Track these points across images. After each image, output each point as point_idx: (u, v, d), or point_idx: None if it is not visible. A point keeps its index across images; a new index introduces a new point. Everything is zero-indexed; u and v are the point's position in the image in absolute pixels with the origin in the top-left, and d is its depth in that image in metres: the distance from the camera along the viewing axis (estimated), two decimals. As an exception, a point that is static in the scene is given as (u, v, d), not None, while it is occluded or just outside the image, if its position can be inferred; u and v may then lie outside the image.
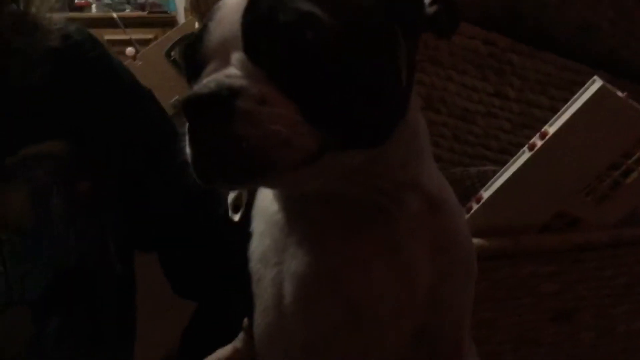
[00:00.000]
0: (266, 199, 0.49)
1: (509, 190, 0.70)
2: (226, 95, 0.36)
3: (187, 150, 0.39)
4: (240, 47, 0.38)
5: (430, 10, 0.45)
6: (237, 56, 0.38)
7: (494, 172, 0.73)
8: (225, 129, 0.36)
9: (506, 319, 0.76)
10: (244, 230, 0.51)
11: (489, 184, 0.72)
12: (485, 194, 0.72)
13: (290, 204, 0.47)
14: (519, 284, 0.75)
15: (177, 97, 1.61)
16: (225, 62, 0.38)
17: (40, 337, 0.68)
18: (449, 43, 0.78)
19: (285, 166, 0.37)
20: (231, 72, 0.38)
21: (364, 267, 0.46)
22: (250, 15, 0.38)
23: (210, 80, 0.37)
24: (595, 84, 0.64)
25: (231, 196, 0.55)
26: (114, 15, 3.29)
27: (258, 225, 0.49)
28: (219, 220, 0.82)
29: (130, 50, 3.67)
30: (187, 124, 0.38)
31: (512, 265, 0.74)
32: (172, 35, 1.80)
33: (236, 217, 0.53)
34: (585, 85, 0.65)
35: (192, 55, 0.41)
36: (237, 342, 0.53)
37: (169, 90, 1.61)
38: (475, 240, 0.70)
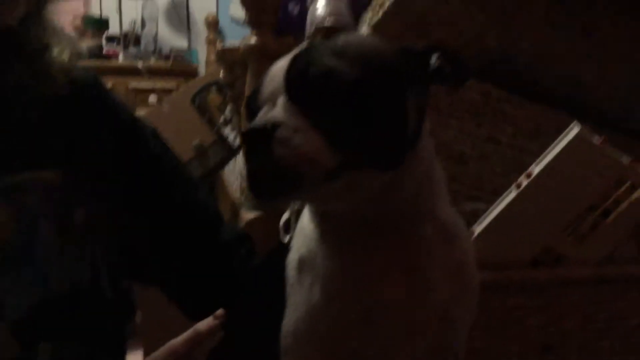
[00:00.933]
0: (305, 220, 0.60)
1: (498, 225, 0.77)
2: (270, 127, 0.48)
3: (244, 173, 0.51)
4: (284, 93, 0.51)
5: (435, 64, 0.54)
6: (281, 100, 0.51)
7: (486, 210, 0.80)
8: (268, 152, 0.48)
9: (496, 349, 0.81)
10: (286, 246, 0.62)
11: (480, 219, 0.79)
12: (477, 229, 0.78)
13: (323, 221, 0.57)
14: (508, 316, 0.80)
15: (198, 140, 1.71)
16: (274, 105, 0.51)
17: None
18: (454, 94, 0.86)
19: (312, 179, 0.48)
20: (276, 111, 0.50)
21: (381, 282, 0.55)
22: (291, 70, 0.52)
23: (261, 117, 0.51)
24: (574, 130, 0.71)
25: (283, 219, 0.67)
26: (140, 64, 3.46)
27: (297, 240, 0.60)
28: (223, 246, 0.88)
29: (152, 97, 3.81)
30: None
31: (501, 297, 0.80)
32: (196, 83, 1.91)
33: (285, 239, 0.63)
34: (565, 131, 0.72)
35: (251, 103, 0.54)
36: (200, 326, 0.67)
37: (191, 133, 1.71)
38: (468, 272, 0.77)
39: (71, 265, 0.77)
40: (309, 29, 1.09)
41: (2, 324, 0.71)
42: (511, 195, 0.76)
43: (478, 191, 0.88)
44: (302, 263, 0.58)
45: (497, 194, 0.83)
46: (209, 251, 0.88)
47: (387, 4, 0.95)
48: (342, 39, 0.54)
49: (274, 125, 0.49)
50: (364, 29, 1.07)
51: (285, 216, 0.66)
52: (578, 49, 0.91)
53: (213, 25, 3.82)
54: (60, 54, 0.82)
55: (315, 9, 1.10)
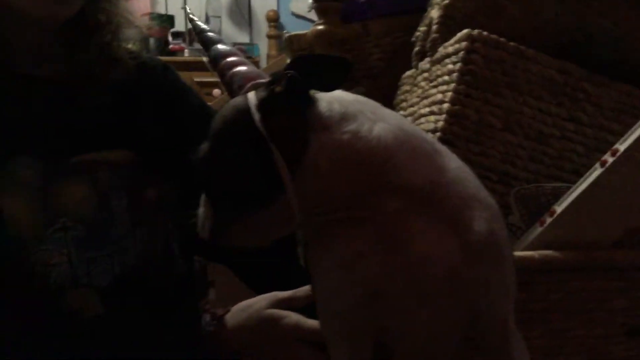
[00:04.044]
0: None
1: (580, 204, 0.75)
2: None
3: None
4: None
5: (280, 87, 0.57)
6: None
7: (568, 190, 0.78)
8: None
9: (577, 331, 0.79)
10: None
11: (562, 198, 0.77)
12: (558, 208, 0.76)
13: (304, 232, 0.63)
14: (590, 298, 0.78)
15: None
16: None
17: (108, 320, 0.77)
18: (524, 71, 0.85)
19: (205, 233, 0.60)
20: None
21: (369, 264, 0.55)
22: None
23: None
24: (665, 105, 0.69)
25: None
26: (204, 59, 3.54)
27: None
28: None
29: (217, 91, 3.88)
30: None
31: (583, 278, 0.77)
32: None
33: (302, 262, 0.67)
34: (656, 106, 0.70)
35: None
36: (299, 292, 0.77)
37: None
38: (548, 252, 0.76)
39: (144, 240, 0.81)
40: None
41: (92, 289, 0.76)
42: (595, 173, 0.74)
43: (559, 171, 0.85)
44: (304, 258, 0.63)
45: (578, 173, 0.81)
46: None
47: (459, -16, 0.94)
48: None
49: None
50: (435, 12, 1.06)
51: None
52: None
53: (274, 20, 3.87)
54: (128, 38, 0.86)
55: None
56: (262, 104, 0.57)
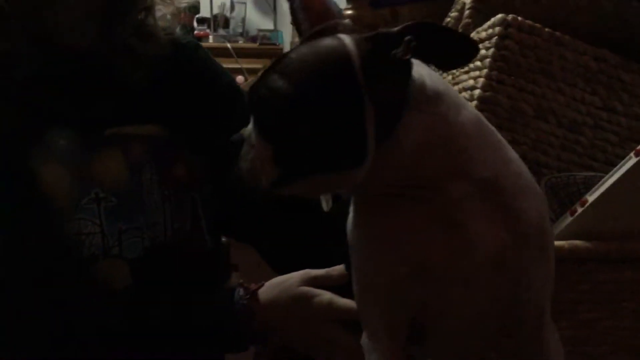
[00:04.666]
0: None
1: (613, 194, 0.73)
2: (239, 140, 0.55)
3: None
4: None
5: (400, 49, 0.50)
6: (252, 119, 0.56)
7: (600, 179, 0.77)
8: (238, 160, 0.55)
9: (606, 322, 0.78)
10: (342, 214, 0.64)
11: (594, 188, 0.76)
12: (590, 198, 0.75)
13: (359, 197, 0.60)
14: (621, 289, 0.77)
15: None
16: None
17: (137, 292, 0.78)
18: (559, 57, 0.83)
19: (261, 186, 0.54)
20: (249, 127, 0.56)
21: (420, 240, 0.55)
22: (251, 90, 0.56)
23: (244, 129, 0.56)
24: None
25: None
26: (229, 46, 3.55)
27: (352, 209, 0.61)
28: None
29: (240, 78, 3.91)
30: None
31: (614, 269, 0.76)
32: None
33: (325, 207, 0.66)
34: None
35: None
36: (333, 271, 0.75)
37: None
38: (578, 242, 0.75)
39: (173, 215, 0.82)
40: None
41: (122, 260, 0.78)
42: (629, 163, 0.72)
43: (591, 160, 0.84)
44: (350, 230, 0.61)
45: (611, 163, 0.80)
46: (301, 209, 0.89)
47: (496, -33, 0.92)
48: (289, 55, 0.54)
49: (243, 139, 0.55)
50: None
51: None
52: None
53: (299, 7, 3.86)
54: (162, 17, 0.87)
55: None
56: (366, 62, 0.51)
